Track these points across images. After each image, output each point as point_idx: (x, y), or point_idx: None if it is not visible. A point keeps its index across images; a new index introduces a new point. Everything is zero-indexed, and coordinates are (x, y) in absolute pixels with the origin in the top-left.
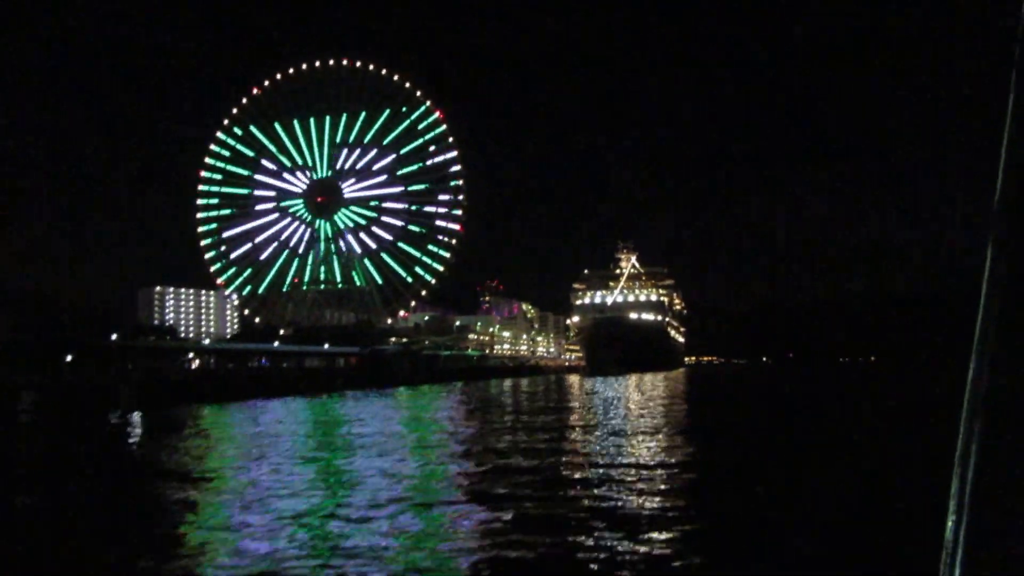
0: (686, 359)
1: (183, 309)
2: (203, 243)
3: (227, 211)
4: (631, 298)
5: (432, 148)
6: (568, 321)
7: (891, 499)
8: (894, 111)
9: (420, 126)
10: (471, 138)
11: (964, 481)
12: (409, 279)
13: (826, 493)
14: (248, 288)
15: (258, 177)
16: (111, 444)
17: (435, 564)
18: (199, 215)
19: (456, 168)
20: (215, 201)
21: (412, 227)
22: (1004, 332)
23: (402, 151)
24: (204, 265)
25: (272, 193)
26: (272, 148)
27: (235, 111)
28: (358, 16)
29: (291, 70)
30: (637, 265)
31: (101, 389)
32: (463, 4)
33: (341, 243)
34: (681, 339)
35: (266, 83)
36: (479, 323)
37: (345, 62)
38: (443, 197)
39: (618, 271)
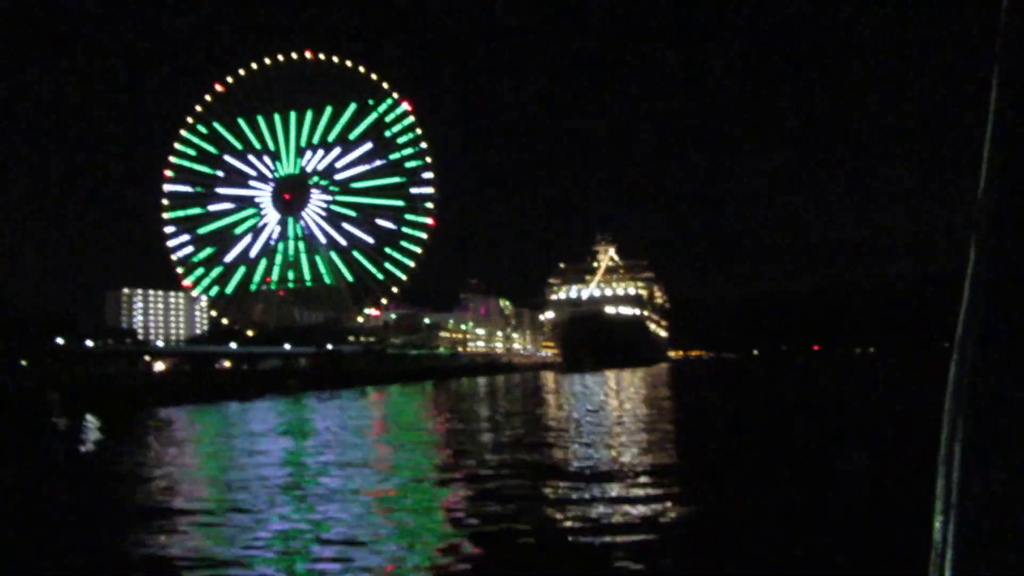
0: (670, 354)
1: (151, 312)
2: (169, 244)
3: (193, 211)
4: (609, 292)
5: (401, 141)
6: (542, 317)
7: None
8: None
9: (388, 118)
10: (441, 129)
11: (950, 481)
12: (380, 276)
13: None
14: (216, 289)
15: (223, 175)
16: None
17: None
18: (165, 215)
19: (426, 160)
20: (181, 201)
21: (382, 222)
22: (986, 330)
23: (370, 145)
24: (171, 266)
25: (238, 191)
26: (237, 145)
27: (199, 108)
28: (319, 9)
29: (254, 65)
30: (616, 257)
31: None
32: None
33: (311, 240)
34: (664, 333)
35: (229, 79)
36: (451, 321)
37: (308, 55)
38: (413, 191)
39: (595, 264)
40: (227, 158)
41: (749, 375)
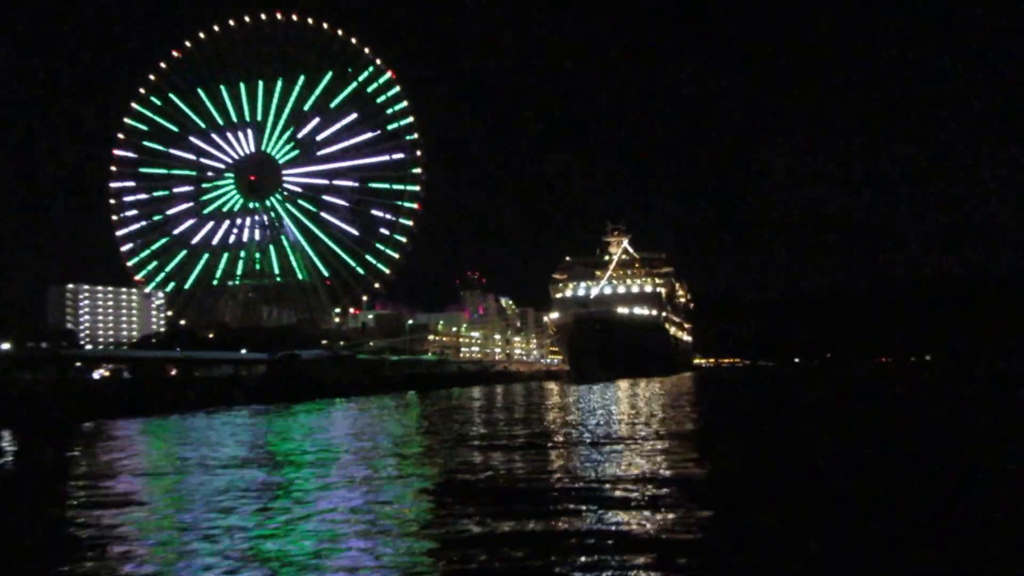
0: (696, 361)
1: (100, 310)
2: (119, 233)
3: (145, 195)
4: (622, 289)
5: (384, 114)
6: (546, 318)
7: None
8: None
9: (369, 89)
10: (430, 101)
11: None
12: (360, 270)
13: None
14: (172, 284)
15: (180, 154)
16: None
17: None
18: (113, 200)
19: (413, 137)
20: (132, 184)
21: (362, 208)
22: None
23: (348, 119)
24: (121, 258)
25: (197, 173)
26: (196, 120)
27: (152, 78)
28: None
29: (216, 27)
30: (630, 250)
31: None
32: None
33: (279, 229)
34: (687, 337)
35: (187, 44)
36: (441, 322)
37: (279, 16)
38: (398, 172)
39: (607, 257)
40: (185, 134)
41: (806, 389)
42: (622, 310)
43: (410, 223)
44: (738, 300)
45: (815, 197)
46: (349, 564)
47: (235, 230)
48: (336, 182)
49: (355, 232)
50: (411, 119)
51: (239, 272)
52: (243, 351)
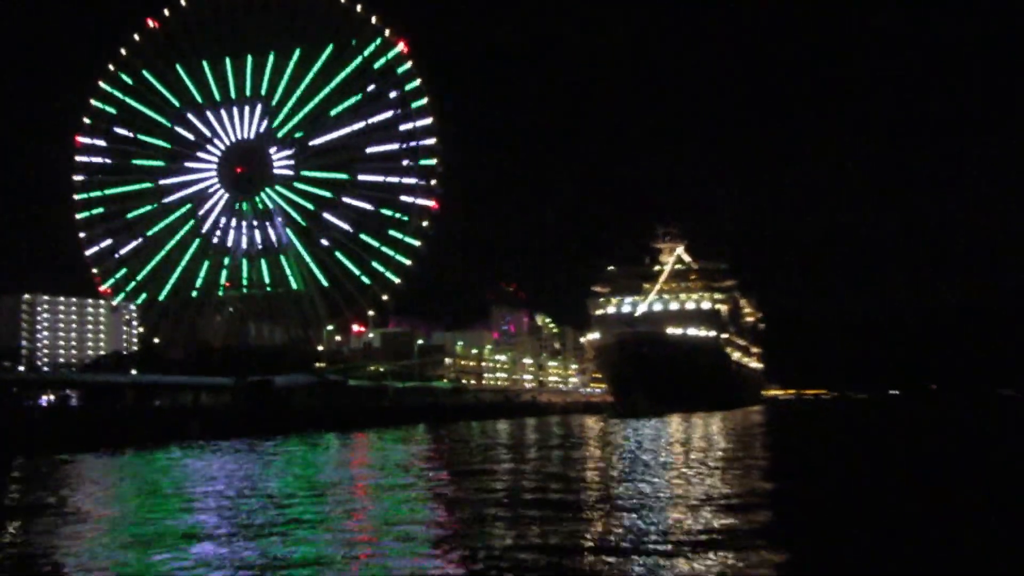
0: (772, 393)
1: (61, 324)
2: (82, 235)
3: (114, 189)
4: (674, 305)
5: (393, 95)
6: (583, 339)
7: None
8: None
9: (376, 64)
10: (448, 80)
11: None
12: (365, 279)
13: None
14: (143, 296)
15: (155, 142)
16: None
17: None
18: (77, 196)
19: (427, 122)
20: (98, 177)
21: (367, 206)
22: None
23: (351, 100)
24: (86, 264)
25: (174, 164)
26: (173, 100)
27: (123, 52)
28: None
29: None
30: (686, 258)
31: None
32: None
33: (270, 231)
34: (755, 364)
35: (165, 12)
36: (460, 342)
37: None
38: (410, 163)
39: (657, 267)
40: (159, 118)
41: (912, 435)
42: (673, 330)
43: (424, 223)
44: (821, 320)
45: (909, 200)
46: None
47: (218, 232)
48: (337, 175)
49: (360, 234)
50: (426, 100)
51: (222, 281)
52: (220, 376)
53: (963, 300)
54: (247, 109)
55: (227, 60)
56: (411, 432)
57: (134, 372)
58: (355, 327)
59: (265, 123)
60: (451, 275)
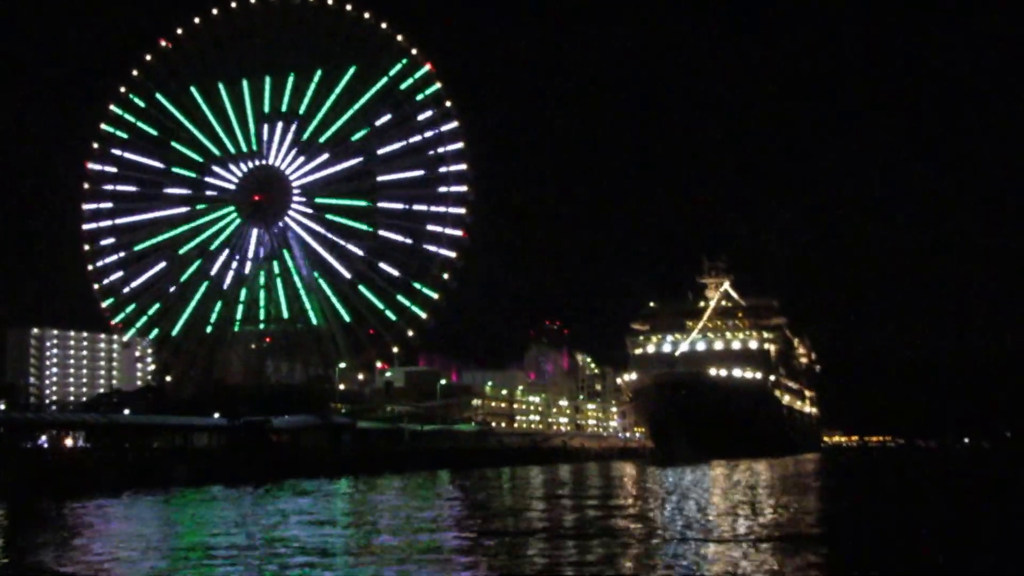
0: (834, 439)
1: (71, 360)
2: (92, 267)
3: (125, 219)
4: (718, 345)
5: (420, 118)
6: (619, 380)
7: None
8: None
9: (402, 86)
10: (479, 103)
11: None
12: (391, 314)
13: None
14: (156, 331)
15: (168, 168)
16: None
17: None
18: (86, 226)
19: (457, 146)
20: (108, 205)
21: (392, 235)
22: None
23: (376, 124)
24: (96, 298)
25: (188, 191)
26: (188, 124)
27: (136, 74)
28: None
29: (215, 11)
30: (733, 294)
31: None
32: None
33: (289, 262)
34: (808, 408)
35: (179, 31)
36: (489, 383)
37: None
38: (439, 190)
39: (701, 303)
40: (174, 143)
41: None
42: (716, 371)
43: (452, 255)
44: (886, 362)
45: (986, 232)
46: None
47: (235, 263)
48: (360, 202)
49: (386, 267)
50: (455, 124)
51: (238, 317)
52: (216, 415)
53: None
54: (266, 132)
55: (244, 82)
56: (415, 479)
57: (127, 411)
58: (379, 364)
59: (284, 148)
60: (487, 312)
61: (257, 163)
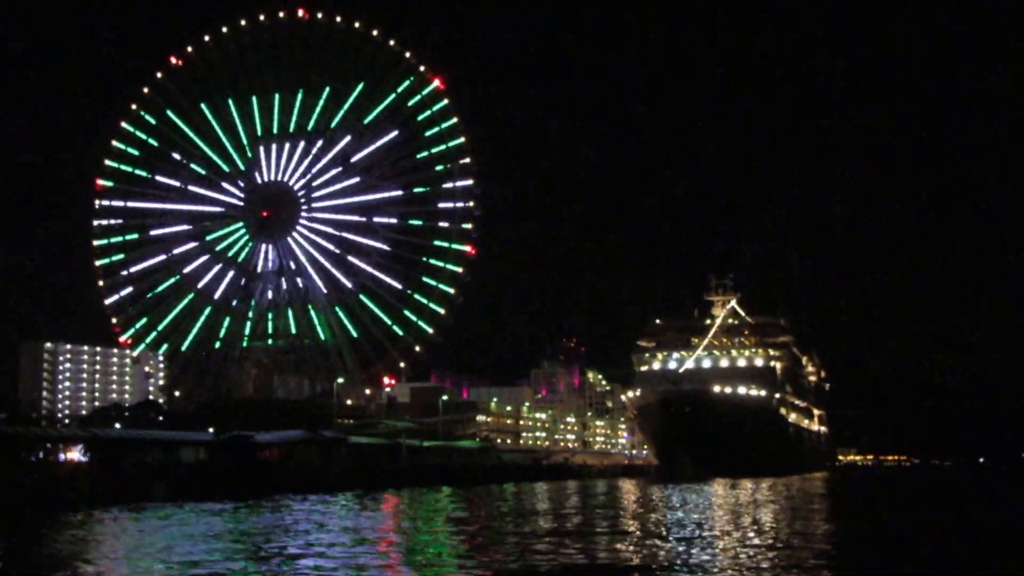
0: (849, 458)
1: (84, 374)
2: (102, 283)
3: (134, 235)
4: (724, 362)
5: (428, 134)
6: (624, 396)
7: None
8: None
9: (410, 102)
10: (486, 119)
11: None
12: (398, 329)
13: None
14: (165, 346)
15: (177, 183)
16: None
17: None
18: (96, 243)
19: (464, 161)
20: (118, 221)
21: (400, 251)
22: None
23: (384, 140)
24: (106, 313)
25: (197, 207)
26: (197, 141)
27: (146, 91)
28: None
29: (224, 29)
30: (740, 312)
31: None
32: None
33: (297, 278)
34: (816, 427)
35: (189, 49)
36: (495, 399)
37: (301, 13)
38: (445, 205)
39: (708, 320)
40: (183, 159)
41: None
42: (721, 389)
43: (459, 269)
44: (900, 381)
45: (1002, 250)
46: None
47: (243, 279)
48: (366, 218)
49: (392, 281)
50: (462, 140)
51: (247, 332)
52: (210, 429)
53: None
54: (274, 148)
55: (253, 99)
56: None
57: (117, 426)
58: (387, 379)
59: (292, 164)
60: (499, 329)
61: (266, 179)
